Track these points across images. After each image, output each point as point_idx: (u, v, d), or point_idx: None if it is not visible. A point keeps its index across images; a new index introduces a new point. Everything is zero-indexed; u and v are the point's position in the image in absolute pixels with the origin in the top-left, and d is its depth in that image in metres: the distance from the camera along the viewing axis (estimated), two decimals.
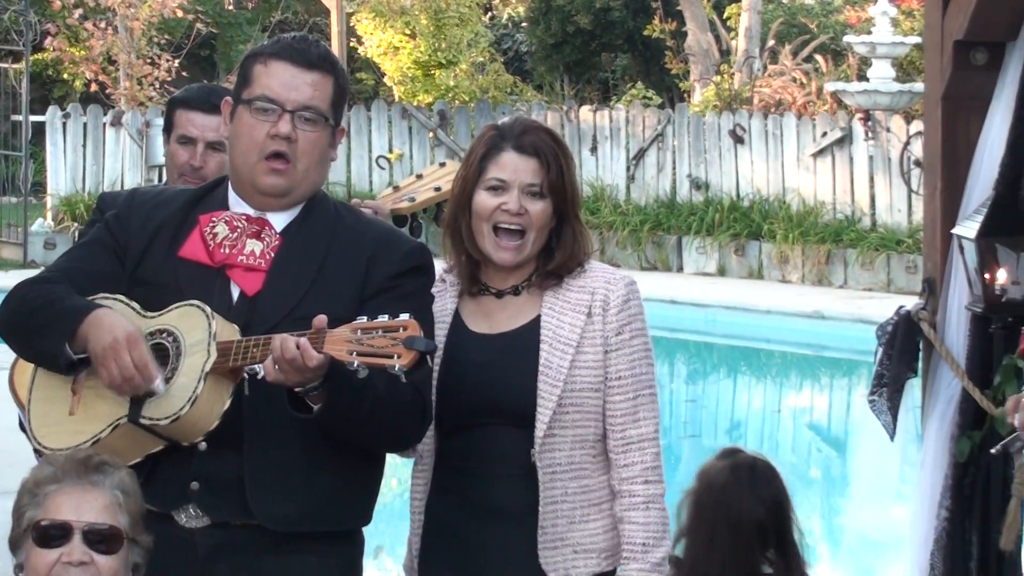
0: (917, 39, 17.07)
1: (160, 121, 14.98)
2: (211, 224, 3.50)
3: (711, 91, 19.92)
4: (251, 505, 3.39)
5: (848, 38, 18.23)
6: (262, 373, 3.27)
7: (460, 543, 3.63)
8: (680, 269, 17.88)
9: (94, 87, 20.22)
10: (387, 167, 18.97)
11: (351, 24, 23.43)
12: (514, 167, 3.62)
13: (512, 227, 3.61)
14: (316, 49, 3.53)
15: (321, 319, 3.24)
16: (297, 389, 3.27)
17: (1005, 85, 4.73)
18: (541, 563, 3.57)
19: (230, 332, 3.36)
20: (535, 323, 3.62)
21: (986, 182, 4.73)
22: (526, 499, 3.58)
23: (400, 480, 3.78)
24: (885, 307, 6.69)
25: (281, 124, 3.45)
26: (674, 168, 18.56)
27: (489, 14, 27.34)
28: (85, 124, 18.61)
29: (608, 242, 17.99)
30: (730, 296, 15.80)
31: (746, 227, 17.50)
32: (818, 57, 19.64)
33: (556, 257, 3.65)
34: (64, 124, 18.63)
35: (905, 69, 18.74)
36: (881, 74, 17.04)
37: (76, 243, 3.82)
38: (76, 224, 17.27)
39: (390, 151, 19.14)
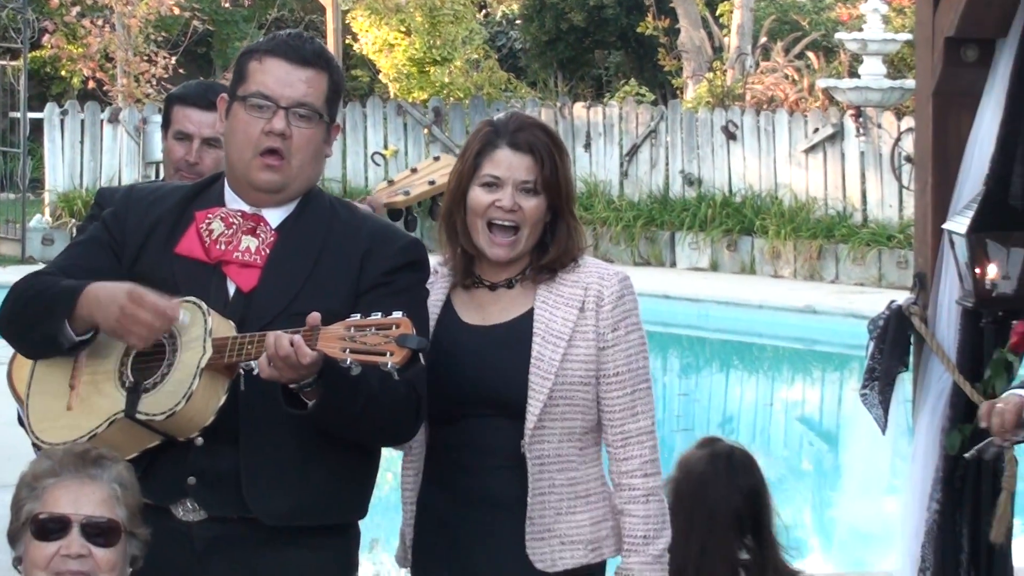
0: (908, 36, 17.09)
1: (157, 118, 15.03)
2: (207, 220, 3.50)
3: (704, 88, 19.94)
4: (247, 499, 3.40)
5: (839, 35, 18.25)
6: (257, 369, 3.28)
7: (451, 534, 3.65)
8: (673, 264, 17.90)
9: (92, 84, 20.24)
10: (382, 163, 18.97)
11: (347, 21, 23.46)
12: (508, 164, 3.63)
13: (506, 223, 3.62)
14: (310, 46, 3.52)
15: (315, 316, 3.24)
16: (292, 385, 3.28)
17: (995, 81, 4.74)
18: (528, 554, 3.59)
19: (226, 328, 3.36)
20: (528, 316, 3.64)
21: (976, 178, 4.75)
22: (516, 490, 3.59)
23: (395, 473, 3.79)
24: (876, 302, 6.72)
25: (275, 121, 3.46)
26: (667, 164, 18.57)
27: (483, 11, 27.34)
28: (83, 121, 18.65)
29: (602, 238, 18.00)
30: (723, 291, 15.82)
31: (738, 223, 17.53)
32: (810, 54, 19.67)
33: (550, 252, 3.66)
34: (62, 121, 18.65)
35: (896, 66, 18.76)
36: (872, 71, 17.06)
37: (74, 240, 3.82)
38: (74, 220, 17.31)
39: (385, 147, 19.14)
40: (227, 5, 22.87)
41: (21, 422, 3.67)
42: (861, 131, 16.85)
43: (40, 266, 3.69)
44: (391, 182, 4.94)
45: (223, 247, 3.48)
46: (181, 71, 19.93)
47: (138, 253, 3.52)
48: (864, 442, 10.13)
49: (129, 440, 3.38)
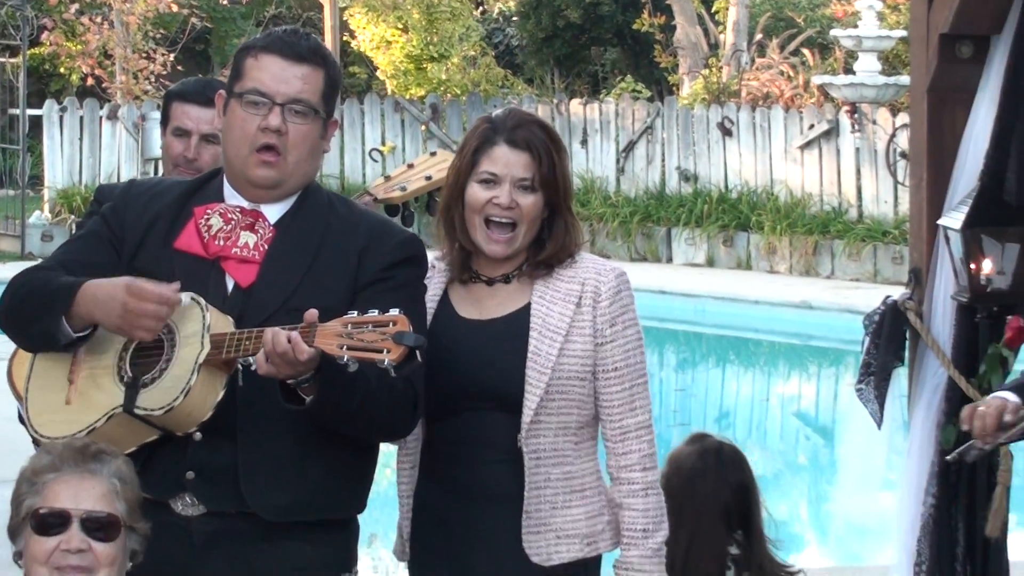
0: (903, 32, 17.10)
1: (156, 114, 15.04)
2: (206, 216, 3.51)
3: (700, 84, 19.96)
4: (245, 495, 3.41)
5: (834, 32, 18.26)
6: (255, 365, 3.29)
7: (447, 527, 3.66)
8: (669, 260, 17.92)
9: (90, 81, 20.25)
10: (380, 159, 18.96)
11: (344, 19, 23.47)
12: (506, 161, 3.64)
13: (503, 220, 3.63)
14: (306, 42, 3.53)
15: (312, 313, 3.24)
16: (289, 381, 3.29)
17: (990, 78, 4.74)
18: (524, 547, 3.60)
19: (224, 324, 3.37)
20: (525, 311, 3.65)
21: (971, 173, 4.75)
22: (512, 484, 3.61)
23: (394, 468, 3.80)
24: (872, 297, 6.72)
25: (271, 117, 3.46)
26: (663, 160, 18.59)
27: (480, 8, 27.35)
28: (81, 118, 18.70)
29: (598, 233, 18.02)
30: (719, 286, 15.84)
31: (734, 218, 17.55)
32: (805, 51, 19.68)
33: (547, 248, 3.68)
34: (61, 118, 18.70)
35: (891, 62, 18.79)
36: (867, 67, 17.07)
37: (73, 235, 3.84)
38: (73, 216, 17.34)
39: (383, 144, 19.14)
40: (225, 2, 22.90)
41: (21, 419, 3.68)
42: (856, 127, 16.87)
43: (39, 261, 3.69)
44: (388, 178, 4.95)
45: (222, 242, 3.49)
46: (179, 68, 19.96)
47: (137, 248, 3.53)
48: (860, 437, 10.14)
49: (128, 435, 3.39)
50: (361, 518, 3.63)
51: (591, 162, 18.86)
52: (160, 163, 4.86)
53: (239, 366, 3.35)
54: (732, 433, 11.19)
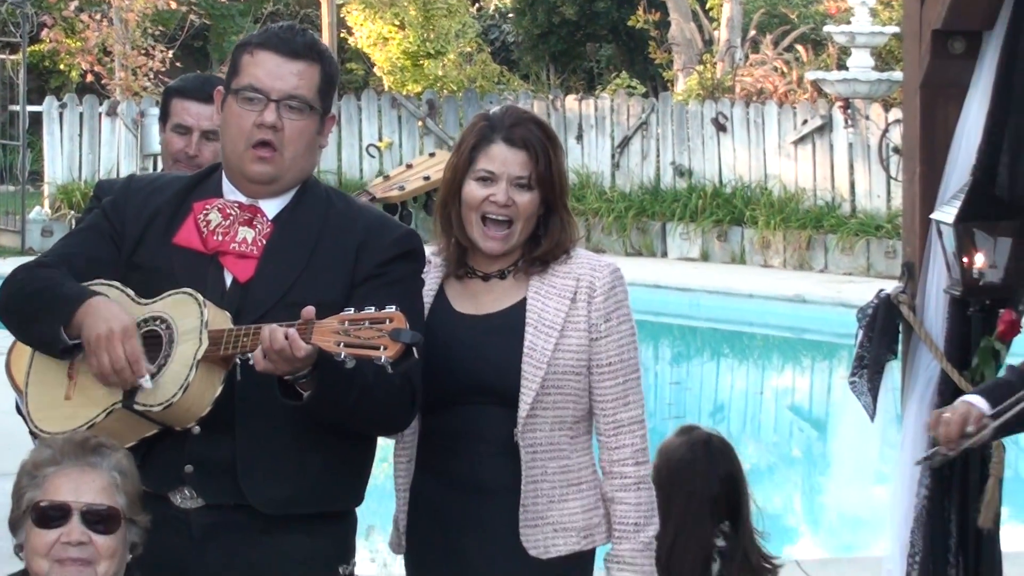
0: (896, 29, 17.11)
1: (155, 111, 15.04)
2: (205, 211, 3.51)
3: (694, 80, 19.97)
4: (243, 488, 3.42)
5: (828, 28, 18.29)
6: (253, 361, 3.30)
7: (444, 521, 3.67)
8: (664, 254, 17.93)
9: (90, 77, 20.24)
10: (377, 155, 18.96)
11: (341, 15, 23.48)
12: (503, 159, 3.65)
13: (499, 218, 3.65)
14: (302, 38, 3.53)
15: (309, 310, 3.25)
16: (287, 377, 3.30)
17: (982, 73, 4.75)
18: (522, 540, 3.62)
19: (222, 320, 3.38)
20: (520, 306, 3.66)
21: (964, 168, 4.76)
22: (508, 478, 3.62)
23: (391, 461, 3.82)
24: (865, 291, 6.74)
25: (266, 113, 3.47)
26: (658, 156, 18.61)
27: (476, 5, 27.35)
28: (81, 114, 18.70)
29: (593, 228, 18.04)
30: (713, 281, 15.86)
31: (729, 213, 17.56)
32: (798, 47, 19.70)
33: (543, 244, 3.69)
34: (60, 114, 18.70)
35: (884, 58, 18.80)
36: (860, 63, 17.09)
37: (74, 228, 3.84)
38: (73, 212, 17.36)
39: (380, 139, 19.14)
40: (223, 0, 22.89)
41: (19, 411, 3.70)
42: (849, 123, 16.88)
43: (40, 255, 3.70)
44: (387, 177, 4.96)
45: (220, 238, 3.49)
46: (178, 65, 19.94)
47: (137, 243, 3.54)
48: (853, 429, 10.18)
49: (127, 429, 3.40)
50: (359, 511, 3.64)
51: (586, 157, 18.87)
52: (159, 159, 4.87)
53: (237, 361, 3.36)
54: (726, 426, 11.22)
